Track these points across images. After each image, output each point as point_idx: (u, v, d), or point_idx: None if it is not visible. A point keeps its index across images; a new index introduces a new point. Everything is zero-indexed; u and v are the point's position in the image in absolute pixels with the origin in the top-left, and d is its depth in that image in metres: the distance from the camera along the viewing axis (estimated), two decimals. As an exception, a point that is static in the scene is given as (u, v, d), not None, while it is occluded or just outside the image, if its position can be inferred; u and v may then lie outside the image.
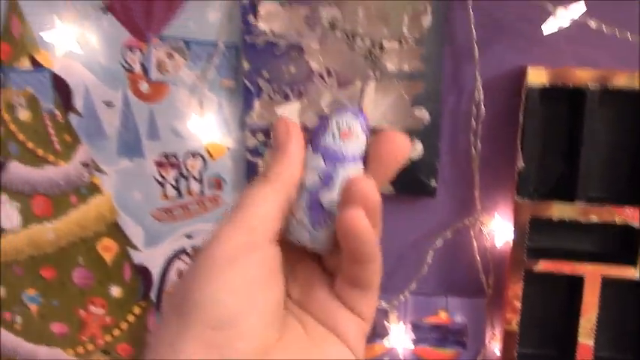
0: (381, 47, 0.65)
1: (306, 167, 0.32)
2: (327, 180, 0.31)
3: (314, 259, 0.34)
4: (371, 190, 0.29)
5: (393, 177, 0.32)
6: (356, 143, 0.32)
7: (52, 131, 0.75)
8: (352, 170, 0.32)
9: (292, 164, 0.32)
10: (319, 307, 0.32)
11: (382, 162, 0.32)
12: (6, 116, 0.75)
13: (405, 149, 0.31)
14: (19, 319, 0.82)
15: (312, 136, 0.33)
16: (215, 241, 0.30)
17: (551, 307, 0.70)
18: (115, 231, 0.78)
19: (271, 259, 0.31)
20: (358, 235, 0.29)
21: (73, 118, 0.75)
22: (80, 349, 0.82)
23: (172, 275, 0.79)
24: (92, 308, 0.81)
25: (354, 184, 0.29)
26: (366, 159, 0.32)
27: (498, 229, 0.68)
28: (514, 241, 0.65)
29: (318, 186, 0.31)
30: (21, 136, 0.76)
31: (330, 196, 0.31)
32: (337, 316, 0.32)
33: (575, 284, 0.66)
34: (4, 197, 0.78)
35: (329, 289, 0.32)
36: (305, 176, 0.32)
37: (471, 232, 0.69)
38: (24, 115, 0.75)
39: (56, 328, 0.82)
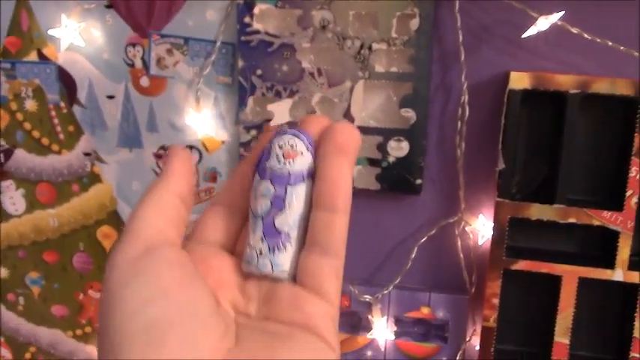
0: (370, 49, 0.67)
1: (255, 195, 0.31)
2: (278, 203, 0.30)
3: None
4: (355, 137, 0.30)
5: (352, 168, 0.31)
6: (301, 161, 0.31)
7: (56, 121, 0.79)
8: (302, 189, 0.31)
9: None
10: (284, 306, 0.30)
11: (333, 152, 0.30)
12: (13, 105, 0.79)
13: (354, 137, 0.31)
14: (21, 300, 0.86)
15: (258, 164, 0.32)
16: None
17: (529, 306, 0.71)
18: (115, 219, 0.81)
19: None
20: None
21: (76, 110, 0.78)
22: (79, 332, 0.86)
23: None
24: (91, 292, 0.84)
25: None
26: (315, 175, 0.31)
27: (482, 228, 0.70)
28: (493, 239, 0.67)
29: (271, 211, 0.31)
30: (27, 125, 0.79)
31: (285, 219, 0.30)
32: (304, 306, 0.30)
33: (553, 284, 0.67)
34: (10, 183, 0.82)
35: (290, 286, 0.31)
36: (256, 204, 0.31)
37: (455, 231, 0.71)
38: (30, 105, 0.79)
39: (56, 310, 0.86)
